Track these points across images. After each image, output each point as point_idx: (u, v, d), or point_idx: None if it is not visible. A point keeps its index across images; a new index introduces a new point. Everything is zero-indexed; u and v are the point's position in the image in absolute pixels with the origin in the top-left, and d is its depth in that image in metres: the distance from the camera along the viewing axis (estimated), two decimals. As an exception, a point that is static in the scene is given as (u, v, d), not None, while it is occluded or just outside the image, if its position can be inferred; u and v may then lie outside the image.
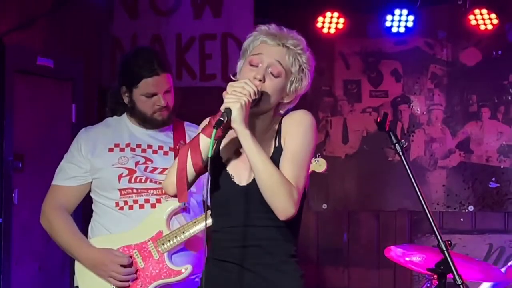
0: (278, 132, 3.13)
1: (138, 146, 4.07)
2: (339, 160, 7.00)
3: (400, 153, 3.18)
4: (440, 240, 3.05)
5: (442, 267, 3.07)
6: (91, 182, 4.09)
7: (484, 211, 6.83)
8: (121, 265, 3.94)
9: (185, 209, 4.05)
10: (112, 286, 3.99)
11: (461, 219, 6.88)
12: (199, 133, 3.07)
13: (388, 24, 6.83)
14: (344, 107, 7.05)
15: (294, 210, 2.99)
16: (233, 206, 3.07)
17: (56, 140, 6.27)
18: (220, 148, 3.17)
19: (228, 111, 2.93)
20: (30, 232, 5.93)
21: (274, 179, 2.97)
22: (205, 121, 3.19)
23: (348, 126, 7.04)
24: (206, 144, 3.02)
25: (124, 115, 4.16)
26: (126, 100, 4.08)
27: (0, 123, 5.66)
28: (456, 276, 3.01)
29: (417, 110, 6.95)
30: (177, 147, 4.07)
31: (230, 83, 3.03)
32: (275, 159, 3.06)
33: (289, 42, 3.10)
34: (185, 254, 4.03)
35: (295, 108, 3.20)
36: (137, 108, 4.05)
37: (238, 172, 3.11)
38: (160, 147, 4.09)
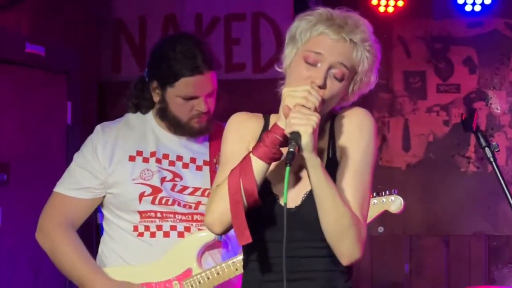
0: (331, 137, 3.10)
1: (165, 156, 4.02)
2: (398, 171, 7.02)
3: (492, 159, 3.11)
4: None
5: None
6: (104, 196, 4.05)
7: None
8: None
9: (221, 243, 4.04)
10: None
11: (552, 246, 6.85)
12: (249, 155, 2.97)
13: (460, 1, 6.81)
14: (404, 105, 7.05)
15: (361, 254, 2.99)
16: (278, 232, 2.99)
17: (48, 146, 6.32)
18: None
19: (297, 136, 2.84)
20: (15, 261, 5.95)
21: (343, 222, 2.94)
22: (233, 122, 3.19)
23: (410, 129, 7.03)
24: (260, 168, 2.95)
25: (150, 114, 4.10)
26: (156, 98, 4.02)
27: (-20, 125, 5.68)
28: None
29: (497, 109, 6.92)
30: (214, 160, 4.03)
31: (286, 89, 2.93)
32: (330, 172, 3.00)
33: (357, 36, 3.00)
34: None
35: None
36: (170, 110, 3.98)
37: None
38: (193, 160, 4.04)
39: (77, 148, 4.16)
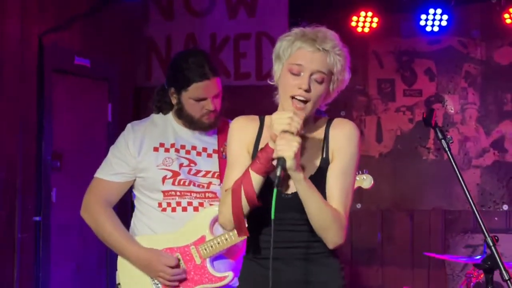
0: (326, 140, 3.10)
1: (183, 147, 4.00)
2: (373, 159, 6.95)
3: (447, 149, 3.09)
4: (487, 236, 3.00)
5: (489, 263, 2.99)
6: (135, 179, 4.03)
7: (519, 210, 6.74)
8: (169, 266, 3.89)
9: None
10: (154, 283, 3.95)
11: (496, 218, 6.79)
12: (248, 169, 2.99)
13: (422, 23, 6.79)
14: (378, 106, 7.01)
15: (343, 240, 3.04)
16: (275, 214, 2.96)
17: (92, 139, 6.27)
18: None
19: (282, 160, 2.88)
20: (67, 231, 5.92)
21: (326, 218, 2.98)
22: (235, 128, 3.17)
23: (382, 125, 6.99)
24: (257, 179, 2.98)
25: (170, 115, 4.08)
26: (174, 101, 4.01)
27: (39, 122, 5.64)
28: (503, 271, 2.93)
29: (451, 109, 6.87)
30: (222, 149, 4.00)
31: (274, 116, 2.95)
32: (323, 168, 3.06)
33: (328, 45, 3.01)
34: (226, 261, 3.98)
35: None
36: (185, 110, 3.97)
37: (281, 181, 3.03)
38: (204, 149, 4.02)
39: (115, 141, 4.15)
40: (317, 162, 3.07)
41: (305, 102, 3.00)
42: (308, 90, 2.98)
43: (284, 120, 2.90)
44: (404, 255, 6.92)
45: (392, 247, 6.97)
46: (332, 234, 3.00)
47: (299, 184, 2.94)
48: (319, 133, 3.11)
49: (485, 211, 6.74)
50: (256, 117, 3.20)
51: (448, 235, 6.83)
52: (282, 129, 2.90)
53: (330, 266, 3.11)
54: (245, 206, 3.00)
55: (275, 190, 2.85)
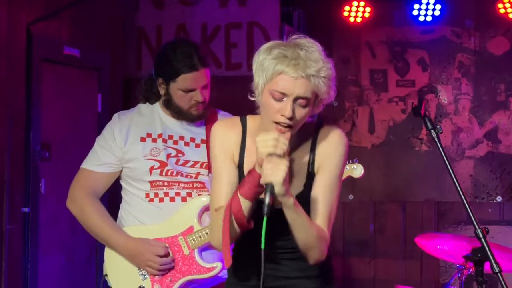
0: (312, 153, 3.05)
1: (170, 137, 4.01)
2: (365, 150, 6.94)
3: (436, 139, 3.09)
4: (477, 227, 2.99)
5: (479, 255, 2.99)
6: (121, 170, 4.04)
7: (512, 202, 6.75)
8: (158, 255, 3.90)
9: None
10: (141, 274, 3.96)
11: (489, 210, 6.80)
12: (237, 192, 2.92)
13: (415, 12, 6.77)
14: (370, 96, 6.99)
15: (324, 256, 3.03)
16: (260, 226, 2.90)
17: (82, 130, 6.26)
18: (244, 164, 3.07)
19: (271, 187, 2.79)
20: (56, 222, 5.91)
21: (311, 240, 2.95)
22: (216, 136, 3.08)
23: (374, 116, 6.98)
24: (246, 203, 2.90)
25: (157, 104, 4.09)
26: (162, 91, 4.01)
27: (28, 112, 5.64)
28: (494, 264, 2.93)
29: (444, 100, 6.87)
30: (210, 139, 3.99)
31: (258, 139, 2.84)
32: (310, 184, 3.04)
33: (311, 69, 2.87)
34: (215, 252, 3.99)
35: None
36: (173, 101, 3.98)
37: None
38: (192, 139, 4.03)
39: (106, 131, 4.16)
40: (304, 178, 3.04)
41: (289, 126, 2.91)
42: (291, 118, 2.88)
43: (269, 142, 2.81)
44: (397, 246, 6.92)
45: (385, 238, 6.96)
46: (314, 252, 2.98)
47: (289, 210, 2.87)
48: (306, 146, 3.05)
49: (478, 202, 6.75)
50: (238, 121, 3.13)
51: (440, 227, 6.82)
52: (268, 152, 2.81)
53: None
54: (235, 232, 2.94)
55: (264, 219, 2.76)
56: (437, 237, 5.05)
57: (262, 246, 2.77)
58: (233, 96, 6.10)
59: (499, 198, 6.73)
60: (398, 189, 6.96)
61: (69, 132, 6.13)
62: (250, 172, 2.91)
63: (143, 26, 7.07)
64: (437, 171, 6.75)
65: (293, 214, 2.88)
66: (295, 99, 2.88)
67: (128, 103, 6.52)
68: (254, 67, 2.96)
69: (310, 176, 3.03)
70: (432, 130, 3.10)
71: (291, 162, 2.93)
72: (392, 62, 6.95)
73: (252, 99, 3.01)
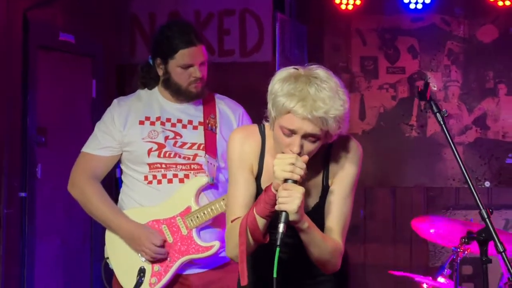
0: (326, 165, 3.03)
1: (168, 120, 4.08)
2: (356, 136, 6.74)
3: (442, 123, 3.08)
4: (482, 208, 3.00)
5: (483, 235, 3.03)
6: (121, 153, 4.10)
7: (500, 187, 6.83)
8: (154, 244, 3.96)
9: (213, 185, 4.06)
10: (142, 258, 4.03)
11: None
12: (253, 209, 2.92)
13: (405, 0, 6.84)
14: (361, 83, 7.04)
15: (339, 266, 3.04)
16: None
17: (77, 115, 6.31)
18: (262, 176, 3.07)
19: (285, 215, 2.79)
20: (52, 207, 5.97)
21: (327, 253, 2.96)
22: (235, 145, 3.06)
23: (365, 103, 7.03)
24: (262, 220, 2.90)
25: (156, 89, 4.15)
26: (160, 72, 4.07)
27: (24, 97, 5.69)
28: (498, 243, 2.96)
29: (434, 87, 6.92)
30: (207, 121, 4.08)
31: (276, 161, 2.83)
32: (324, 197, 3.03)
33: (320, 111, 2.79)
34: (213, 231, 4.05)
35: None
36: (172, 79, 4.04)
37: None
38: (190, 122, 4.09)
39: (100, 116, 4.21)
40: (319, 190, 3.03)
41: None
42: (300, 154, 2.85)
43: (286, 167, 2.80)
44: (387, 231, 6.99)
45: (375, 224, 7.03)
46: (330, 266, 3.01)
47: (304, 233, 2.88)
48: (320, 157, 3.00)
49: (467, 187, 6.78)
50: (256, 130, 3.09)
51: (430, 212, 6.87)
52: (284, 177, 2.80)
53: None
54: (251, 243, 2.93)
55: (277, 250, 2.76)
56: (431, 220, 5.15)
57: (275, 275, 2.77)
58: (226, 82, 6.19)
59: (487, 183, 6.81)
60: (388, 175, 7.02)
61: (64, 117, 6.17)
62: (266, 190, 2.90)
63: (137, 13, 7.10)
64: (427, 157, 6.85)
65: (308, 236, 2.89)
66: (304, 137, 2.85)
67: (122, 89, 6.58)
68: (268, 94, 2.91)
69: (325, 188, 3.02)
70: (437, 113, 3.11)
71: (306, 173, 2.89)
72: (383, 50, 7.02)
73: (266, 123, 3.01)
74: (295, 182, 2.82)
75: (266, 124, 3.04)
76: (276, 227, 2.81)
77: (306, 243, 2.92)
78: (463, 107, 6.90)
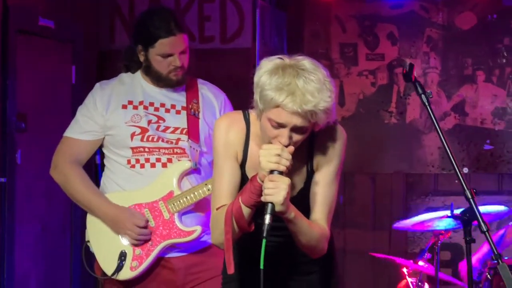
0: (311, 149, 3.05)
1: (151, 104, 4.09)
2: None
3: (426, 104, 3.11)
4: (466, 189, 3.09)
5: (467, 215, 3.10)
6: (104, 138, 4.11)
7: (478, 173, 6.88)
8: (137, 226, 3.98)
9: (196, 170, 4.07)
10: (123, 242, 4.04)
11: (456, 181, 6.87)
12: (238, 198, 2.94)
13: (384, -13, 6.85)
14: (340, 70, 7.05)
15: (326, 250, 3.06)
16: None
17: (57, 101, 6.29)
18: (247, 163, 3.09)
19: (271, 207, 2.81)
20: (32, 193, 5.97)
21: (313, 240, 2.98)
22: (220, 133, 3.07)
23: (344, 89, 7.04)
24: (247, 209, 2.92)
25: (138, 73, 4.16)
26: (141, 58, 4.09)
27: (3, 83, 5.66)
28: (482, 223, 3.01)
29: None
30: (190, 106, 4.09)
31: (262, 152, 2.85)
32: (309, 183, 3.06)
33: (309, 105, 2.80)
34: (195, 216, 4.07)
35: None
36: (153, 67, 4.06)
37: None
38: (173, 106, 4.10)
39: (80, 102, 4.22)
40: (304, 175, 3.06)
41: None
42: (288, 145, 2.87)
43: (272, 158, 2.81)
44: (366, 217, 7.03)
45: (354, 210, 7.05)
46: (317, 251, 3.03)
47: (291, 223, 2.90)
48: (305, 143, 2.99)
49: (446, 174, 6.88)
50: (241, 117, 3.10)
51: (409, 198, 6.95)
52: (270, 168, 2.82)
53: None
54: (236, 230, 2.95)
55: (264, 241, 2.79)
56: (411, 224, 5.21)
57: (261, 266, 2.80)
58: (207, 68, 6.21)
59: (465, 170, 6.84)
60: (367, 161, 7.04)
61: (44, 103, 6.16)
62: (252, 180, 2.91)
63: (116, -2, 7.09)
64: (406, 143, 6.88)
65: (295, 226, 2.91)
66: (292, 129, 2.87)
67: (101, 75, 6.55)
68: (254, 86, 2.91)
69: (310, 173, 3.05)
70: (422, 95, 3.13)
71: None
72: (362, 36, 7.02)
73: (253, 113, 3.03)
74: (281, 173, 2.84)
75: (251, 111, 3.05)
76: (263, 217, 2.83)
77: (293, 232, 2.95)
78: (442, 93, 6.93)
